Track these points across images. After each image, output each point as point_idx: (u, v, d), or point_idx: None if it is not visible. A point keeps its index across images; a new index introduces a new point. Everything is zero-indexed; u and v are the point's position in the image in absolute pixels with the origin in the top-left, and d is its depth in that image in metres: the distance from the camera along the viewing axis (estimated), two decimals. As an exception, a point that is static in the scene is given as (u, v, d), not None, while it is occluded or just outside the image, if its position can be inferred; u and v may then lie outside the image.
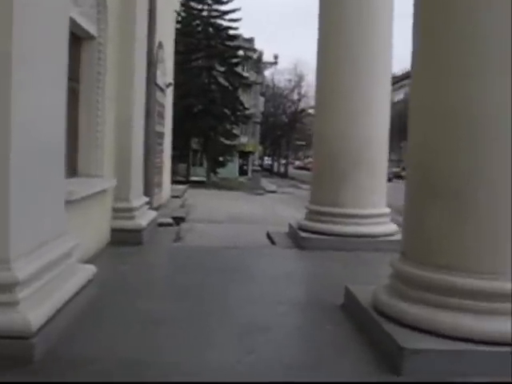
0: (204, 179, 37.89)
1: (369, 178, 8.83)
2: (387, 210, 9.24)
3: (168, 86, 13.85)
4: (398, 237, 9.31)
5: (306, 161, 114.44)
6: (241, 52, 36.68)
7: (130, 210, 8.44)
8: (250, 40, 53.22)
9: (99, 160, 7.68)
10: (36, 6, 4.02)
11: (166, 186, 15.12)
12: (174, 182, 36.77)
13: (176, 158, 39.83)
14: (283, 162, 76.50)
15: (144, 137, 9.75)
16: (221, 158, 39.10)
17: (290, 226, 10.19)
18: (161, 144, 13.13)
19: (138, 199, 8.90)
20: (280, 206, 23.02)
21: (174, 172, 42.21)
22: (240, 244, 10.81)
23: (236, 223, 16.68)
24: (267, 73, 62.13)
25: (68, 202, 5.68)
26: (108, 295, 5.35)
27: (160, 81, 12.38)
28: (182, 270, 6.84)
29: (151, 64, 10.02)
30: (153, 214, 9.72)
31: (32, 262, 3.95)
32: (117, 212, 8.41)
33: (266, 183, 37.56)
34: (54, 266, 4.38)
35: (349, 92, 8.79)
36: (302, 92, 66.98)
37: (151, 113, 10.04)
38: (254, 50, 51.15)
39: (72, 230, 6.10)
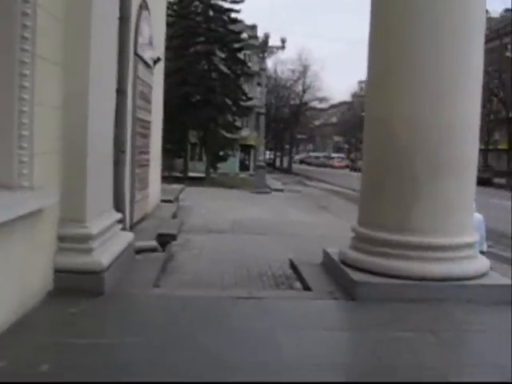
0: (203, 175, 34.82)
1: (456, 187, 5.74)
2: (477, 236, 6.16)
3: (156, 61, 10.73)
4: (494, 279, 6.38)
5: (306, 155, 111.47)
6: (244, 35, 33.47)
7: (86, 238, 5.33)
8: (253, 27, 49.94)
9: (27, 161, 4.58)
10: None
11: (155, 189, 12.01)
12: (171, 178, 33.78)
13: (172, 153, 36.73)
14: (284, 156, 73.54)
15: (115, 124, 6.67)
16: (221, 153, 35.97)
17: (326, 255, 7.11)
18: (146, 136, 10.02)
19: (101, 219, 5.78)
20: (291, 209, 19.94)
21: (170, 168, 39.35)
22: (252, 273, 8.02)
23: (242, 233, 13.65)
24: (269, 63, 58.83)
25: None
26: None
27: (144, 52, 9.28)
28: (154, 371, 3.65)
29: (124, 21, 6.90)
30: (126, 238, 6.60)
31: None
32: (64, 242, 5.32)
33: (271, 180, 34.49)
34: None
35: (423, 59, 5.69)
36: (307, 83, 64.08)
37: (126, 91, 6.92)
38: (257, 38, 47.74)
39: None
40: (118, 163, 6.81)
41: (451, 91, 5.68)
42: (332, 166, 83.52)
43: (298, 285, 6.94)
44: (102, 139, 5.88)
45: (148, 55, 9.72)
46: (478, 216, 8.26)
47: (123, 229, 6.80)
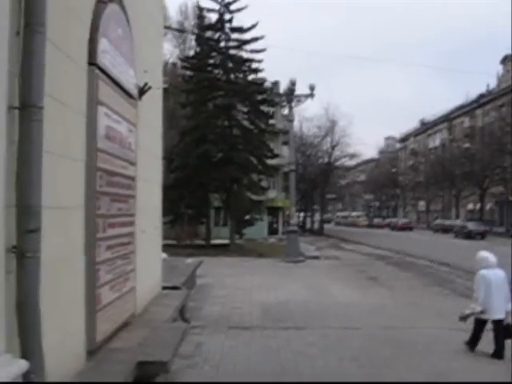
0: (228, 242, 31.26)
1: None
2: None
3: (144, 90, 7.39)
4: None
5: (335, 215, 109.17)
6: (267, 83, 30.59)
7: None
8: (275, 83, 47.15)
9: None
10: None
11: (150, 276, 8.42)
12: (192, 247, 30.24)
13: (194, 219, 33.37)
14: (315, 217, 69.92)
15: (18, 177, 3.22)
16: (247, 216, 32.39)
17: None
18: (125, 198, 6.52)
19: None
20: (334, 284, 16.15)
21: (193, 235, 35.84)
22: None
23: (276, 327, 9.98)
24: (294, 121, 55.83)
25: None
26: None
27: (114, 67, 5.91)
28: None
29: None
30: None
31: None
32: None
33: (303, 245, 30.60)
34: None
35: None
36: (336, 139, 61.06)
37: (38, 107, 3.41)
38: (280, 95, 44.78)
39: None
40: (22, 256, 3.30)
41: None
42: (356, 225, 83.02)
43: None
44: None
45: (124, 74, 6.36)
46: (500, 273, 8.20)
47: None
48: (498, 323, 7.98)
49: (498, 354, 7.95)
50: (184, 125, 31.46)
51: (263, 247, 32.13)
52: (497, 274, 8.16)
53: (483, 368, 7.58)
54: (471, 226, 50.33)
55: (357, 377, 6.96)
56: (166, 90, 35.16)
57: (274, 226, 50.68)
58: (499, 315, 8.00)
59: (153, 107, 8.69)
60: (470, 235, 46.68)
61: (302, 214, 68.40)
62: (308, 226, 66.88)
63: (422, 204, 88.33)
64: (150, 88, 7.55)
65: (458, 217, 70.17)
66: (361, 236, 50.38)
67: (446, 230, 56.64)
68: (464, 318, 8.41)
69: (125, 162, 6.41)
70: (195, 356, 7.85)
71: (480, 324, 8.25)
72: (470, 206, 72.09)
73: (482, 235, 46.84)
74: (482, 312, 8.04)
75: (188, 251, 25.06)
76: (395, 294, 14.40)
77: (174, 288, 9.75)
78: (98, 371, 4.81)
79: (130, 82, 6.79)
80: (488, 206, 67.09)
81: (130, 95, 6.76)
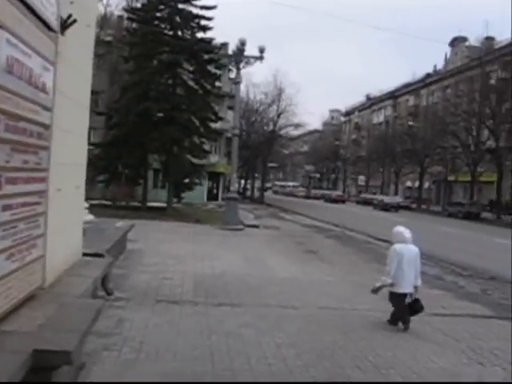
0: (165, 205, 30.11)
1: None
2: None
3: (68, 22, 6.21)
4: None
5: (277, 183, 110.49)
6: (215, 41, 29.28)
7: None
8: (224, 44, 45.55)
9: None
10: None
11: (65, 241, 7.32)
12: (128, 208, 29.00)
13: (131, 180, 31.99)
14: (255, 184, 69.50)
15: None
16: (186, 180, 31.21)
17: None
18: (35, 149, 5.40)
19: None
20: (273, 256, 15.41)
21: (129, 196, 34.51)
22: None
23: (208, 303, 9.11)
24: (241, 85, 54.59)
25: None
26: None
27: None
28: None
29: None
30: None
31: None
32: None
33: (242, 212, 29.68)
34: None
35: None
36: (282, 106, 60.33)
37: None
38: (228, 56, 43.18)
39: None
40: None
41: None
42: (294, 195, 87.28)
43: None
44: None
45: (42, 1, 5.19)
46: (414, 249, 8.43)
47: None
48: (404, 296, 8.19)
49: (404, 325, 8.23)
50: (126, 80, 29.89)
51: (201, 213, 31.21)
52: (410, 250, 8.38)
53: (430, 357, 7.00)
54: (387, 199, 59.08)
55: (295, 370, 6.19)
56: (109, 43, 33.30)
57: (214, 191, 49.78)
58: (407, 289, 8.23)
59: (81, 47, 7.46)
60: (386, 208, 53.87)
61: (242, 181, 67.82)
62: (248, 193, 66.35)
63: (362, 178, 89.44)
64: (75, 21, 6.32)
65: (396, 193, 71.39)
66: (299, 206, 50.25)
67: (367, 202, 64.39)
68: (375, 291, 8.59)
69: (35, 105, 5.25)
70: (115, 335, 6.90)
71: (396, 298, 8.28)
72: (409, 184, 73.43)
73: (395, 208, 54.41)
74: (391, 285, 8.25)
75: (122, 213, 23.88)
76: (335, 270, 13.78)
77: (97, 255, 8.69)
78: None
79: (49, 9, 5.59)
80: (426, 185, 68.42)
81: (47, 26, 5.58)
